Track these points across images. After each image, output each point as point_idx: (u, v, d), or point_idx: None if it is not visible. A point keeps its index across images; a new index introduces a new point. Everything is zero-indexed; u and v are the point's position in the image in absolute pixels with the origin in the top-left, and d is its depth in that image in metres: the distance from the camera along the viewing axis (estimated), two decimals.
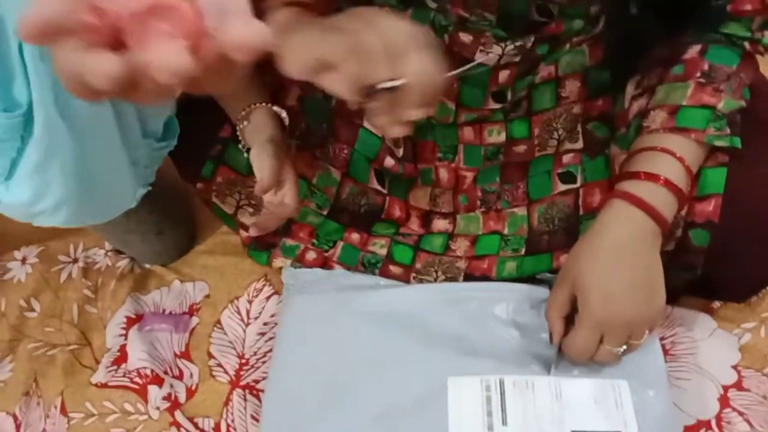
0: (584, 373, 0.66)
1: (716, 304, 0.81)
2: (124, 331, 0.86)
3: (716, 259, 0.72)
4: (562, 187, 0.77)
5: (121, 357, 0.85)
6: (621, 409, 0.64)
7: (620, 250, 0.61)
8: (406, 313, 0.74)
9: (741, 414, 0.75)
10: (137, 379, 0.83)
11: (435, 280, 0.84)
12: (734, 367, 0.77)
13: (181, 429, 0.79)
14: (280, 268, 0.86)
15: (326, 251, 0.86)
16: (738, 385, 0.76)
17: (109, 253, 0.94)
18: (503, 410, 0.64)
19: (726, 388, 0.76)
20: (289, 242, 0.85)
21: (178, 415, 0.79)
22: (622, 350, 0.62)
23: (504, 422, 0.64)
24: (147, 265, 0.93)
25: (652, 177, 0.62)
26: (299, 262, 0.86)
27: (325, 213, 0.83)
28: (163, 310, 0.88)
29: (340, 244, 0.86)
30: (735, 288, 0.77)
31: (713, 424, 0.74)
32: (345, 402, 0.68)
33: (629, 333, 0.61)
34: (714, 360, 0.78)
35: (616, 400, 0.64)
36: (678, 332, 0.79)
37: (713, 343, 0.79)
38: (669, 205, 0.63)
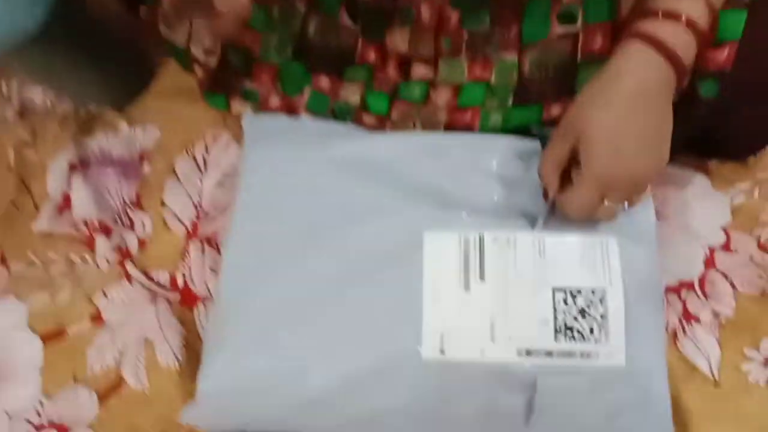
0: (572, 229, 0.61)
1: (711, 163, 0.76)
2: (66, 177, 0.78)
3: (720, 114, 0.66)
4: (560, 30, 0.69)
5: (65, 205, 0.77)
6: (607, 267, 0.59)
7: (635, 101, 0.54)
8: (381, 163, 0.67)
9: (725, 276, 0.71)
10: (83, 229, 0.76)
11: None
12: (723, 229, 0.73)
13: (133, 281, 0.73)
14: (240, 115, 0.77)
15: (292, 96, 0.78)
16: (726, 247, 0.73)
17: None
18: (481, 267, 0.60)
19: (713, 250, 0.73)
20: (250, 85, 0.77)
21: (129, 266, 0.73)
22: (623, 207, 0.57)
23: (482, 278, 0.59)
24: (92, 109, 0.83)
25: (672, 16, 0.55)
26: (261, 108, 0.77)
27: (289, 51, 0.74)
28: (110, 155, 0.80)
29: (308, 90, 0.78)
30: (735, 146, 0.72)
31: (696, 285, 0.71)
32: (312, 254, 0.63)
33: (634, 188, 0.56)
34: (704, 220, 0.74)
35: (603, 257, 0.60)
36: (669, 191, 0.75)
37: (704, 203, 0.74)
38: (689, 49, 0.56)
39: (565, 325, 0.58)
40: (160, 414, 0.68)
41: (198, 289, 0.73)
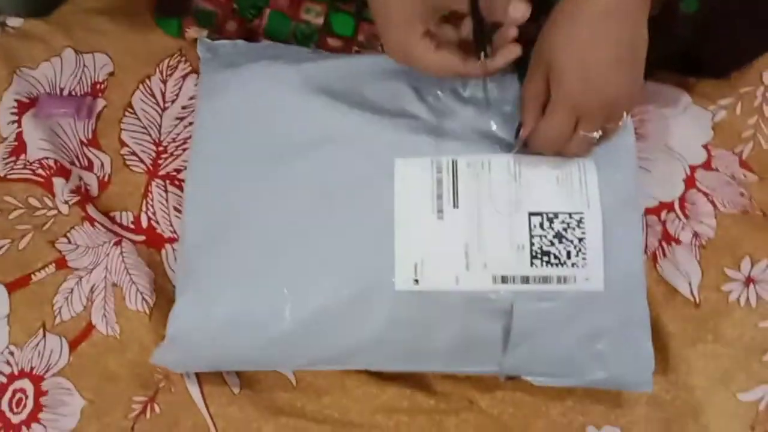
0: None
1: (693, 80, 0.73)
2: (16, 117, 0.74)
3: (701, 29, 0.62)
4: None
5: (19, 147, 0.73)
6: (585, 189, 0.57)
7: (604, 22, 0.50)
8: (348, 87, 0.63)
9: (706, 195, 0.70)
10: (40, 171, 0.72)
11: None
12: (705, 146, 0.71)
13: (96, 224, 0.70)
14: (196, 41, 0.72)
15: (250, 21, 0.73)
16: (706, 165, 0.71)
17: None
18: (455, 192, 0.57)
19: (693, 168, 0.71)
20: (204, 5, 0.72)
21: (90, 208, 0.70)
22: (597, 136, 0.54)
23: (455, 204, 0.57)
24: (17, 23, 0.77)
25: None
26: (217, 33, 0.73)
27: None
28: (61, 91, 0.75)
29: (267, 11, 0.73)
30: (717, 63, 0.69)
31: (676, 205, 0.70)
32: (278, 185, 0.60)
33: (607, 115, 0.52)
34: (684, 139, 0.71)
35: (581, 180, 0.57)
36: (649, 109, 0.72)
37: (685, 121, 0.72)
38: None
39: (542, 250, 0.56)
40: (132, 359, 0.66)
41: (163, 229, 0.70)
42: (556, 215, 0.56)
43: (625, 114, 0.53)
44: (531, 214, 0.56)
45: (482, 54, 0.53)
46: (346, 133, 0.60)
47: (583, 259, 0.56)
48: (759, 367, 0.65)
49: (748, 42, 0.67)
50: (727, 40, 0.66)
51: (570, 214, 0.56)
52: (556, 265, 0.56)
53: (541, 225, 0.56)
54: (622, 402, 0.64)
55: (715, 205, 0.69)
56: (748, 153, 0.71)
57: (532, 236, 0.56)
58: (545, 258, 0.55)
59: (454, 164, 0.58)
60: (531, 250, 0.56)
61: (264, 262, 0.58)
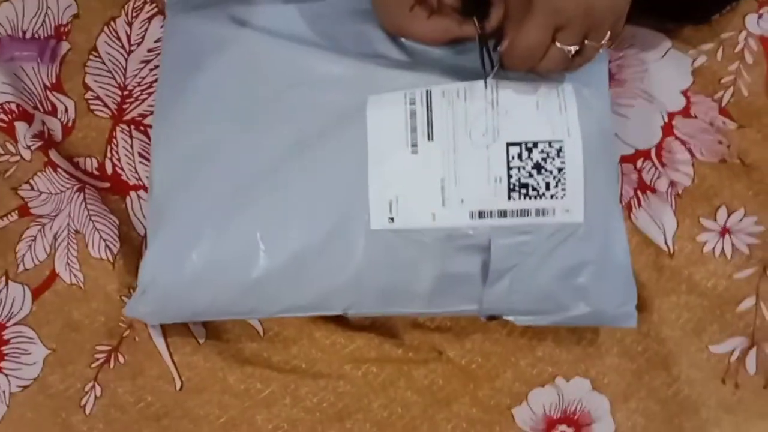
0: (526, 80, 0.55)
1: (672, 24, 0.71)
2: None
3: None
4: None
5: None
6: (564, 116, 0.54)
7: None
8: (318, 30, 0.60)
9: (683, 143, 0.68)
10: (2, 116, 0.70)
11: None
12: (684, 92, 0.69)
13: (59, 170, 0.68)
14: None
15: None
16: (685, 112, 0.69)
17: None
18: (429, 124, 0.55)
19: (671, 115, 0.69)
20: None
21: (53, 154, 0.68)
22: (573, 50, 0.49)
23: (430, 137, 0.54)
24: None
25: None
26: None
27: None
28: (23, 33, 0.73)
29: None
30: (698, 5, 0.66)
31: (653, 153, 0.68)
32: (251, 130, 0.58)
33: (589, 26, 0.48)
34: (663, 84, 0.70)
35: (560, 106, 0.54)
36: (627, 54, 0.70)
37: (664, 66, 0.70)
38: None
39: (520, 182, 0.53)
40: (96, 308, 0.65)
41: (128, 176, 0.68)
42: (535, 144, 0.54)
43: (608, 33, 0.49)
44: (509, 144, 0.54)
45: (474, 14, 0.51)
46: (316, 75, 0.58)
47: (563, 190, 0.54)
48: (732, 318, 0.64)
49: None
50: None
51: (549, 143, 0.54)
52: (535, 197, 0.54)
53: (520, 156, 0.54)
54: (592, 353, 0.64)
55: (692, 153, 0.68)
56: (727, 100, 0.69)
57: (510, 168, 0.54)
58: (523, 190, 0.54)
59: (428, 94, 0.55)
60: (509, 183, 0.54)
61: (236, 205, 0.57)
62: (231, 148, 0.58)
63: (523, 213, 0.54)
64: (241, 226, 0.56)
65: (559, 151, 0.54)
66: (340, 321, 0.64)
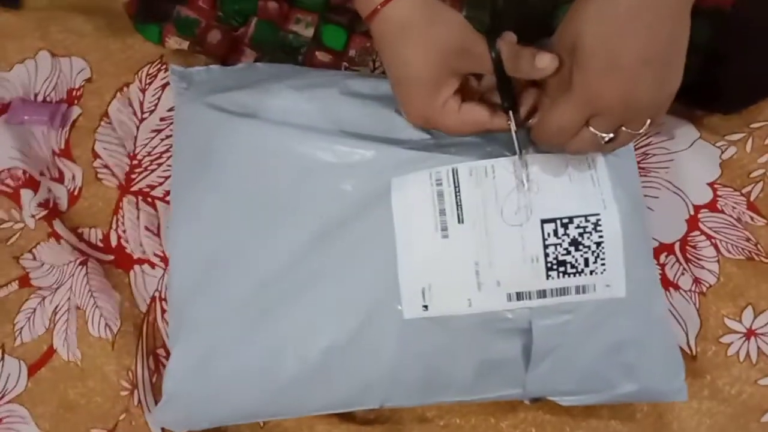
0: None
1: (701, 113, 0.68)
2: None
3: (713, 60, 0.58)
4: None
5: None
6: (599, 187, 0.52)
7: (641, 8, 0.43)
8: (329, 117, 0.58)
9: (709, 238, 0.65)
10: (9, 181, 0.69)
11: (373, 71, 0.69)
12: (711, 185, 0.67)
13: (62, 241, 0.66)
14: (177, 51, 0.69)
15: (235, 29, 0.70)
16: (711, 205, 0.66)
17: None
18: (458, 205, 0.52)
19: (697, 209, 0.66)
20: (186, 13, 0.68)
21: (57, 225, 0.67)
22: (607, 138, 0.47)
23: (460, 219, 0.52)
24: None
25: None
26: (199, 44, 0.69)
27: None
28: (35, 96, 0.72)
29: (254, 20, 0.70)
30: (729, 96, 0.64)
31: (677, 248, 0.65)
32: (270, 226, 0.55)
33: (626, 117, 0.46)
34: (689, 176, 0.67)
35: (593, 177, 0.52)
36: (652, 141, 0.67)
37: (691, 156, 0.67)
38: None
39: (557, 260, 0.51)
40: (93, 387, 0.63)
41: (133, 249, 0.67)
42: (570, 220, 0.51)
43: (648, 122, 0.47)
44: (543, 221, 0.51)
45: (509, 109, 0.50)
46: (334, 162, 0.56)
47: (602, 265, 0.51)
48: (757, 427, 0.61)
49: (762, 77, 0.62)
50: (740, 73, 0.62)
51: (585, 217, 0.51)
52: (574, 274, 0.51)
53: (555, 232, 0.51)
54: None
55: (718, 250, 0.65)
56: (756, 194, 0.66)
57: (546, 246, 0.51)
58: (562, 268, 0.51)
59: (455, 173, 0.53)
60: (546, 262, 0.51)
61: (260, 308, 0.54)
62: (250, 247, 0.55)
63: (563, 292, 0.51)
64: (266, 329, 0.54)
65: (596, 224, 0.51)
66: (343, 414, 0.62)
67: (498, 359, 0.54)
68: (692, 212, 0.66)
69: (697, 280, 0.64)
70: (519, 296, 0.51)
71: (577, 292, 0.51)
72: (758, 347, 0.63)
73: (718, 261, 0.65)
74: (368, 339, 0.53)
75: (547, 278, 0.51)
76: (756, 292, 0.64)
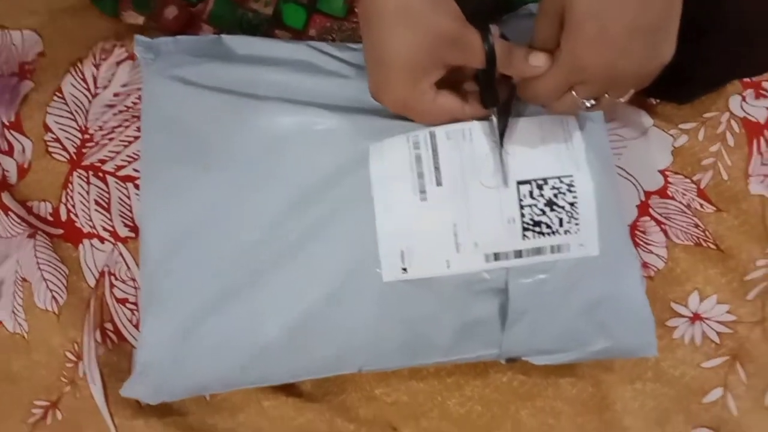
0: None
1: (655, 101, 0.69)
2: None
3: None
4: None
5: None
6: (572, 150, 0.53)
7: None
8: (303, 88, 0.57)
9: (659, 223, 0.66)
10: None
11: None
12: (662, 172, 0.67)
13: (10, 214, 0.65)
14: (132, 26, 0.68)
15: (193, 5, 0.69)
16: (662, 192, 0.67)
17: None
18: (437, 168, 0.52)
19: (648, 194, 0.67)
20: None
21: (6, 197, 0.66)
22: (588, 105, 0.48)
23: (438, 182, 0.52)
24: None
25: None
26: (155, 20, 0.68)
27: None
28: None
29: None
30: (682, 86, 0.65)
31: None
32: (245, 193, 0.55)
33: (609, 85, 0.46)
34: (641, 162, 0.68)
35: (566, 139, 0.53)
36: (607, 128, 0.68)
37: (644, 143, 0.68)
38: None
39: (533, 220, 0.52)
40: (37, 360, 0.63)
41: (82, 224, 0.66)
42: (545, 181, 0.52)
43: (631, 91, 0.47)
44: (519, 183, 0.52)
45: (492, 105, 0.51)
46: (310, 130, 0.55)
47: (576, 224, 0.52)
48: (698, 409, 0.62)
49: (714, 68, 0.63)
50: (692, 64, 0.62)
51: (560, 178, 0.52)
52: (549, 234, 0.52)
53: (531, 194, 0.52)
54: None
55: (667, 235, 0.66)
56: (707, 182, 0.67)
57: (522, 207, 0.52)
58: (537, 229, 0.52)
59: (432, 136, 0.53)
60: (522, 222, 0.52)
61: (238, 274, 0.54)
62: (225, 217, 0.55)
63: (539, 251, 0.52)
64: (244, 297, 0.53)
65: (570, 186, 0.52)
66: (291, 390, 0.62)
67: (476, 320, 0.54)
68: (643, 198, 0.67)
69: (645, 265, 0.65)
70: (496, 257, 0.52)
71: (552, 251, 0.52)
72: (703, 331, 0.64)
73: (666, 246, 0.66)
74: (347, 303, 0.53)
75: (523, 238, 0.52)
76: (703, 278, 0.65)
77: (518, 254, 0.52)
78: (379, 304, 0.53)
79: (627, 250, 0.56)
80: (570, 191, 0.52)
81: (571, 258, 0.53)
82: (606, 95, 0.47)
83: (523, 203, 0.52)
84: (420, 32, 0.47)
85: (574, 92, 0.47)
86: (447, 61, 0.49)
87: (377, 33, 0.48)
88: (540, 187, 0.52)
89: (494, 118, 0.52)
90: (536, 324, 0.54)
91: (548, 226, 0.52)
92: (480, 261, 0.52)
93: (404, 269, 0.52)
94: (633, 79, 0.46)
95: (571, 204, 0.52)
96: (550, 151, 0.53)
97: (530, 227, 0.52)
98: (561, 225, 0.52)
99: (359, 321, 0.53)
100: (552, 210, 0.52)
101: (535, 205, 0.52)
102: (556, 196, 0.52)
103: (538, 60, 0.47)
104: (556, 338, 0.56)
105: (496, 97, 0.51)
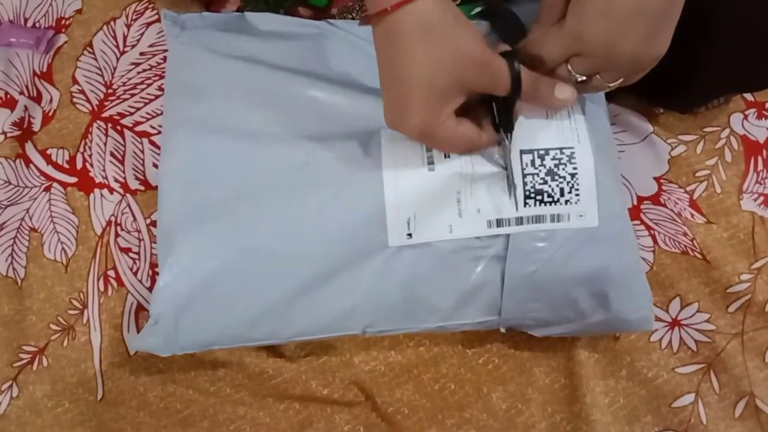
0: None
1: (658, 110, 0.70)
2: None
3: (671, 58, 0.60)
4: None
5: None
6: (574, 124, 0.55)
7: None
8: (324, 63, 0.60)
9: (649, 228, 0.67)
10: None
11: None
12: (657, 179, 0.69)
13: (31, 166, 0.70)
14: None
15: None
16: (655, 198, 0.68)
17: None
18: None
19: (641, 199, 0.68)
20: None
21: (28, 148, 0.70)
22: (579, 79, 0.49)
23: (446, 154, 0.54)
24: None
25: None
26: None
27: None
28: (25, 21, 0.75)
29: None
30: (682, 95, 0.66)
31: None
32: (260, 158, 0.57)
33: (602, 65, 0.47)
34: (637, 168, 0.69)
35: (569, 114, 0.55)
36: None
37: (642, 150, 0.70)
38: None
39: (534, 188, 0.54)
40: (30, 306, 0.65)
41: (96, 173, 0.69)
42: (547, 152, 0.54)
43: (620, 79, 0.48)
44: (522, 152, 0.54)
45: (508, 131, 0.52)
46: (326, 105, 0.58)
47: (576, 195, 0.54)
48: (667, 412, 0.63)
49: (715, 75, 0.64)
50: (694, 69, 0.63)
51: (561, 149, 0.54)
52: (550, 203, 0.54)
53: (533, 163, 0.54)
54: (520, 424, 0.62)
55: (655, 241, 0.67)
56: (699, 193, 0.68)
57: (524, 175, 0.54)
58: (539, 197, 0.54)
59: None
60: (524, 190, 0.54)
61: (252, 231, 0.56)
62: (242, 174, 0.57)
63: (539, 219, 0.54)
64: (256, 251, 0.55)
65: (571, 156, 0.54)
66: (274, 350, 0.64)
67: (476, 285, 0.56)
68: (635, 202, 0.68)
69: None
70: (498, 223, 0.54)
71: (552, 220, 0.54)
72: (681, 337, 0.65)
73: (653, 251, 0.67)
74: (353, 266, 0.55)
75: (525, 206, 0.54)
76: (686, 285, 0.66)
77: (519, 221, 0.54)
78: (383, 267, 0.55)
79: (625, 222, 0.58)
80: (570, 162, 0.54)
81: (571, 227, 0.54)
82: (597, 76, 0.49)
83: (525, 171, 0.54)
84: (444, 53, 0.45)
85: (568, 65, 0.49)
86: (470, 86, 0.47)
87: (396, 51, 0.45)
88: (542, 157, 0.54)
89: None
90: (535, 292, 0.56)
91: (549, 195, 0.54)
92: (482, 226, 0.54)
93: (409, 234, 0.54)
94: (627, 64, 0.47)
95: (572, 175, 0.54)
96: (553, 125, 0.55)
97: (532, 195, 0.54)
98: (562, 195, 0.54)
99: (363, 283, 0.55)
100: (553, 179, 0.54)
101: (537, 174, 0.54)
102: (557, 166, 0.54)
103: (565, 93, 0.49)
104: (555, 307, 0.57)
105: (512, 123, 0.52)
